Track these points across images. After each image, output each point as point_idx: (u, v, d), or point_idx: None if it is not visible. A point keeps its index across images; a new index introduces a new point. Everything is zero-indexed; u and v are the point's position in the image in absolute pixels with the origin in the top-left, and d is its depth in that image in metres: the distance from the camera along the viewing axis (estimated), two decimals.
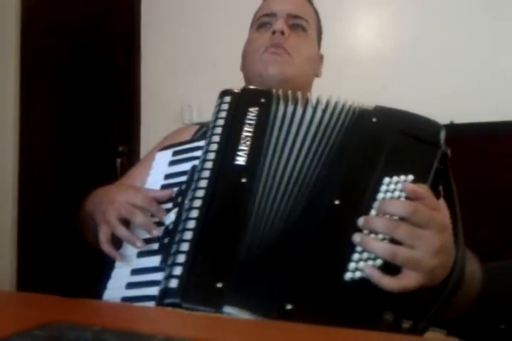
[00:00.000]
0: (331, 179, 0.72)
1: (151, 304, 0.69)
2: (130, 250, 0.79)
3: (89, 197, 0.93)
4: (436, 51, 2.15)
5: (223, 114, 0.79)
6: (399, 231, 0.64)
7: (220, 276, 0.66)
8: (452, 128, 1.90)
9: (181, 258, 0.68)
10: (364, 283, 0.64)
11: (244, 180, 0.72)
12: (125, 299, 0.74)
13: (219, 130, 0.78)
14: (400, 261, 0.64)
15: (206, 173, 0.74)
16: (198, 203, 0.72)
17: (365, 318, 0.64)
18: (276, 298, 0.65)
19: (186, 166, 0.83)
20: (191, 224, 0.70)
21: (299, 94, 0.81)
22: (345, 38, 2.30)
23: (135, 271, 0.78)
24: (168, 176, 0.85)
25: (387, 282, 0.63)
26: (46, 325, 0.43)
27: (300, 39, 1.04)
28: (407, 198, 0.68)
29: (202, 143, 0.83)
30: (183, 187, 0.79)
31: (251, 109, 0.79)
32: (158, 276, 0.71)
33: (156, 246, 0.77)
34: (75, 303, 0.57)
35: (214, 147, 0.76)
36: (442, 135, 0.75)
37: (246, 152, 0.75)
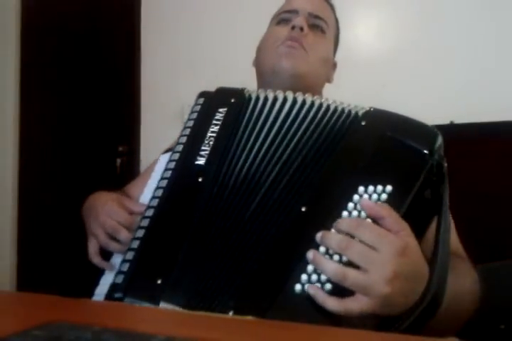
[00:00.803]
0: (302, 183, 0.69)
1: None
2: (119, 256, 0.81)
3: (86, 201, 0.95)
4: (436, 51, 2.15)
5: (194, 115, 0.80)
6: (351, 251, 0.60)
7: (160, 273, 0.68)
8: (452, 128, 1.90)
9: (130, 255, 0.71)
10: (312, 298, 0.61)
11: (200, 180, 0.73)
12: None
13: (187, 131, 0.79)
14: (349, 284, 0.60)
15: (168, 173, 0.75)
16: (154, 202, 0.74)
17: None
18: (218, 297, 0.65)
19: None
20: (145, 222, 0.72)
21: (279, 93, 0.78)
22: (345, 38, 2.28)
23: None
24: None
25: (332, 303, 0.59)
26: (46, 325, 0.43)
27: (318, 39, 1.03)
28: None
29: None
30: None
31: (220, 110, 0.79)
32: None
33: None
34: (75, 303, 0.57)
35: (179, 148, 0.77)
36: (438, 143, 0.69)
37: (207, 152, 0.75)
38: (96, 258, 0.84)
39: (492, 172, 1.80)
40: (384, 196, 0.65)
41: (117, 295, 0.68)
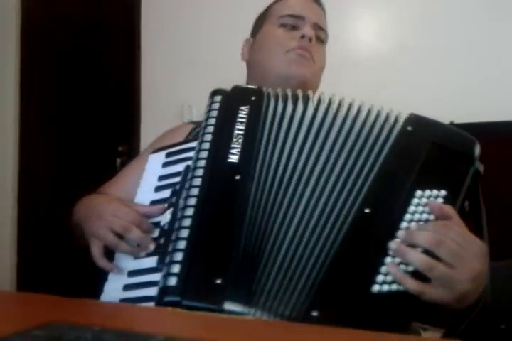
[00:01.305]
0: (358, 185, 0.71)
1: (151, 305, 0.69)
2: (126, 258, 0.79)
3: (78, 205, 0.93)
4: (436, 51, 2.15)
5: (214, 113, 0.79)
6: (442, 248, 0.64)
7: (218, 272, 0.66)
8: None
9: (179, 256, 0.68)
10: (391, 296, 0.64)
11: (237, 177, 0.72)
12: (123, 301, 0.74)
13: (211, 129, 0.78)
14: (434, 275, 0.63)
15: (200, 172, 0.74)
16: (192, 201, 0.72)
17: (391, 330, 0.64)
18: (297, 302, 0.64)
19: (180, 167, 0.83)
20: (187, 222, 0.71)
21: (299, 93, 0.80)
22: (345, 38, 2.29)
23: (132, 273, 0.78)
24: (162, 177, 0.85)
25: (412, 283, 0.63)
26: (46, 325, 0.43)
27: (320, 49, 1.05)
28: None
29: (194, 144, 0.83)
30: (177, 187, 0.79)
31: (242, 108, 0.79)
32: (156, 277, 0.71)
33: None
34: (75, 303, 0.57)
35: (206, 146, 0.77)
36: (477, 150, 0.73)
37: (238, 149, 0.75)
38: (102, 261, 0.80)
39: (492, 172, 1.80)
40: (440, 200, 0.69)
41: (172, 298, 0.65)
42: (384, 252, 0.66)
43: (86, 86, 2.71)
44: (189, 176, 0.76)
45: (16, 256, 2.60)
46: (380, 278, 0.64)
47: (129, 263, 0.79)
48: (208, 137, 0.77)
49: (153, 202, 0.83)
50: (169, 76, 2.58)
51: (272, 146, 0.75)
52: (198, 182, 0.73)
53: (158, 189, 0.84)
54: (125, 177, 1.03)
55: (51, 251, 2.57)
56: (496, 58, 2.08)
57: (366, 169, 0.72)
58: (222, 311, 0.63)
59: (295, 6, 1.06)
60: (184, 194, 0.74)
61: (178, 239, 0.70)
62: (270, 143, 0.76)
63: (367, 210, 0.68)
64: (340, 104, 0.78)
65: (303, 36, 1.00)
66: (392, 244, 0.65)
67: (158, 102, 2.60)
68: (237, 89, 0.84)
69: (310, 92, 0.80)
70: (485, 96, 2.06)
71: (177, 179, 0.81)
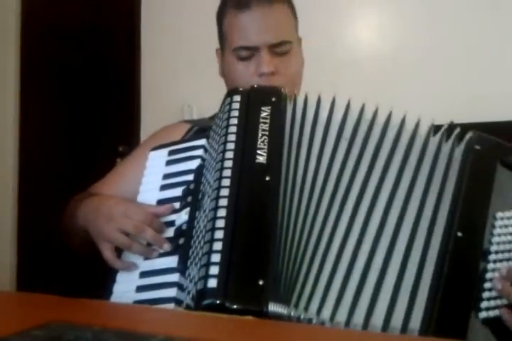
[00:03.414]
0: (431, 204, 0.70)
1: (167, 306, 0.68)
2: (135, 257, 0.78)
3: (80, 206, 0.89)
4: (437, 51, 2.15)
5: (236, 113, 0.78)
6: None
7: (259, 273, 0.64)
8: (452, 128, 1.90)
9: (216, 258, 0.66)
10: (496, 321, 0.64)
11: (268, 178, 0.72)
12: (138, 302, 0.73)
13: (234, 129, 0.77)
14: None
15: (228, 172, 0.72)
16: (224, 202, 0.70)
17: None
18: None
19: (185, 166, 0.82)
20: (221, 223, 0.68)
21: (320, 97, 0.80)
22: (345, 38, 2.29)
23: (144, 274, 0.76)
24: (167, 176, 0.84)
25: None
26: (46, 325, 0.43)
27: (288, 63, 0.99)
28: None
29: (199, 142, 0.82)
30: (192, 186, 0.78)
31: (263, 108, 0.78)
32: (172, 278, 0.70)
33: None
34: (75, 303, 0.57)
35: (231, 146, 0.75)
36: None
37: (265, 150, 0.74)
38: (118, 263, 0.78)
39: None
40: None
41: (213, 300, 0.63)
42: (482, 277, 0.66)
43: (86, 86, 2.71)
44: (215, 177, 0.74)
45: (16, 256, 2.60)
46: (484, 304, 0.65)
47: (139, 263, 0.77)
48: (232, 137, 0.76)
49: (161, 202, 0.82)
50: (169, 76, 2.58)
51: (296, 149, 0.75)
52: (227, 182, 0.72)
53: (164, 188, 0.83)
54: (120, 175, 1.01)
55: (51, 251, 2.57)
56: (496, 58, 2.08)
57: (435, 188, 0.71)
58: (266, 314, 0.62)
59: (246, 30, 0.96)
60: (213, 194, 0.72)
61: (214, 240, 0.67)
62: (294, 146, 0.75)
63: (459, 234, 0.68)
64: (375, 113, 0.78)
65: (261, 74, 0.95)
66: (497, 284, 0.65)
67: (158, 102, 2.60)
68: (256, 90, 0.82)
69: (334, 98, 0.80)
70: (485, 96, 2.05)
71: (184, 177, 0.80)
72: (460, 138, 0.76)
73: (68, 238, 0.98)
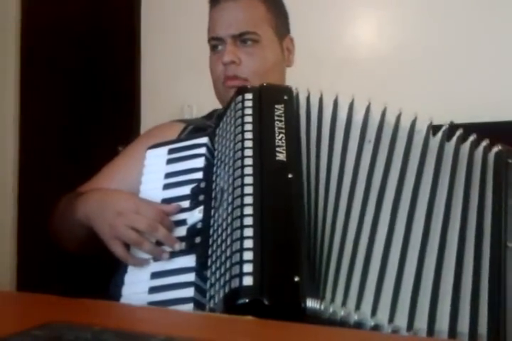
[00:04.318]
0: (472, 213, 0.71)
1: (185, 307, 0.68)
2: (144, 253, 0.76)
3: (80, 201, 0.87)
4: (436, 51, 2.15)
5: (249, 111, 0.77)
6: None
7: (294, 270, 0.64)
8: (452, 128, 1.90)
9: (249, 255, 0.64)
10: None
11: (290, 176, 0.71)
12: (152, 304, 0.71)
13: (249, 126, 0.76)
14: None
15: (249, 170, 0.71)
16: (249, 200, 0.69)
17: None
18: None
19: (188, 164, 0.81)
20: (248, 220, 0.67)
21: (337, 98, 0.80)
22: (345, 38, 2.29)
23: (155, 274, 0.74)
24: (169, 175, 0.83)
25: None
26: (46, 325, 0.43)
27: (253, 55, 1.02)
28: None
29: (201, 140, 0.81)
30: (202, 185, 0.78)
31: (277, 106, 0.78)
32: (188, 277, 0.69)
33: (168, 248, 0.75)
34: (75, 303, 0.57)
35: (249, 143, 0.74)
36: None
37: (283, 148, 0.73)
38: (132, 260, 0.75)
39: None
40: None
41: (250, 298, 0.61)
42: None
43: (86, 86, 2.71)
44: (234, 175, 0.73)
45: (16, 256, 2.60)
46: None
47: (149, 264, 0.75)
48: (249, 135, 0.75)
49: (166, 201, 0.80)
50: (169, 76, 2.58)
51: (316, 147, 0.75)
52: (250, 180, 0.71)
53: (167, 186, 0.81)
54: (117, 169, 1.02)
55: (51, 251, 2.57)
56: (496, 58, 2.08)
57: (474, 197, 0.72)
58: (304, 310, 0.62)
59: (214, 26, 1.05)
60: (236, 192, 0.71)
61: (244, 237, 0.66)
62: (313, 145, 0.75)
63: (510, 244, 0.69)
64: (398, 117, 0.78)
65: (224, 64, 1.00)
66: None
67: (158, 102, 2.60)
68: (268, 88, 0.82)
69: (353, 99, 0.80)
70: (485, 96, 2.05)
71: (189, 176, 0.80)
72: (489, 147, 0.78)
73: (60, 237, 0.97)
